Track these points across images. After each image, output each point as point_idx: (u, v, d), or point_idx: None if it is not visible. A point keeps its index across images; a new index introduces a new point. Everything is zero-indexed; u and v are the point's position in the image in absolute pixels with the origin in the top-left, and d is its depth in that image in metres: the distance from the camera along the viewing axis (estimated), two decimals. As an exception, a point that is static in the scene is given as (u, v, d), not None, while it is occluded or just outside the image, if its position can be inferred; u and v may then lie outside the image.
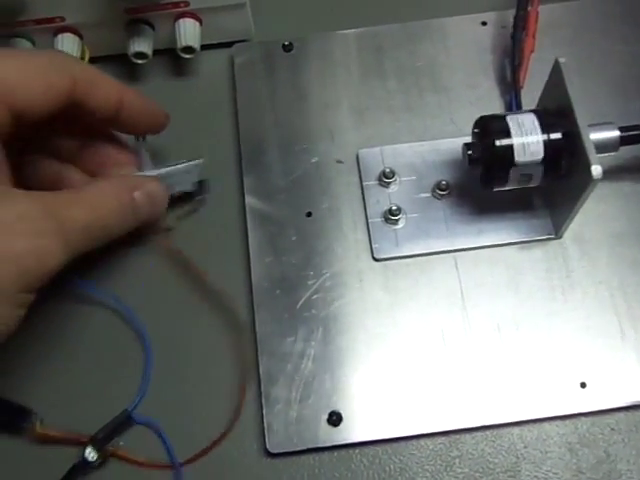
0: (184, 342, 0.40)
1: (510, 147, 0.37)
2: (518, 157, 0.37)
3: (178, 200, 0.42)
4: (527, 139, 0.37)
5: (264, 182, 0.43)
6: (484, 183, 0.39)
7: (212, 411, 0.38)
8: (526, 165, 0.37)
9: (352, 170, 0.43)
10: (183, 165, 0.42)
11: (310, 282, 0.40)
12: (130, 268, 0.42)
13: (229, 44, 0.47)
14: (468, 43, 0.47)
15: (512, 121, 0.37)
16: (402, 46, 0.47)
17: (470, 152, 0.38)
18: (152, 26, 0.45)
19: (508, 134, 0.37)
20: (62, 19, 0.44)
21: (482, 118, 0.39)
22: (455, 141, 0.42)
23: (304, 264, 0.41)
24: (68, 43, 0.45)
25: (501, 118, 0.38)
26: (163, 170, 0.41)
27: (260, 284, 0.40)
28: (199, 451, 0.37)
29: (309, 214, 0.42)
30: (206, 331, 0.40)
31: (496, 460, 0.37)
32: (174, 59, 0.47)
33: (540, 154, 0.36)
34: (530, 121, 0.37)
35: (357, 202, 0.42)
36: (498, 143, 0.37)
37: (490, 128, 0.38)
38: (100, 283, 0.41)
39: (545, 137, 0.37)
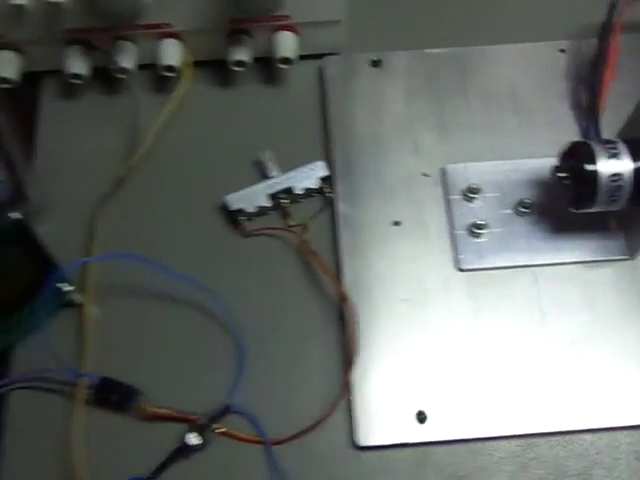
0: (280, 332, 0.42)
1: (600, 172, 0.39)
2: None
3: (307, 197, 0.46)
4: (617, 166, 0.39)
5: (355, 190, 0.45)
6: (571, 204, 0.41)
7: (304, 402, 0.41)
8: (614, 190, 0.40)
9: (437, 183, 0.46)
10: (306, 167, 0.45)
11: (397, 288, 0.43)
12: (220, 256, 0.44)
13: (319, 55, 0.50)
14: (547, 68, 0.50)
15: (602, 147, 0.40)
16: (484, 68, 0.49)
17: (560, 174, 0.41)
18: (251, 36, 0.48)
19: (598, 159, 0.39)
20: (169, 25, 0.47)
21: (573, 143, 0.41)
22: (537, 162, 0.45)
23: (392, 271, 0.43)
24: (172, 47, 0.47)
25: (592, 144, 0.40)
26: (290, 173, 0.45)
27: (350, 289, 0.43)
28: (289, 436, 0.39)
29: (397, 223, 0.44)
30: (302, 324, 0.43)
31: (569, 464, 0.40)
32: (266, 67, 0.49)
33: (629, 181, 0.39)
34: (620, 149, 0.39)
35: (441, 214, 0.45)
36: (589, 168, 0.39)
37: (581, 153, 0.40)
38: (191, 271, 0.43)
39: (635, 165, 0.39)
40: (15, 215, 0.43)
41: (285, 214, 0.45)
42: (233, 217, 0.45)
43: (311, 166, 0.46)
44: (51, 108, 0.49)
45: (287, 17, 0.47)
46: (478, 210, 0.44)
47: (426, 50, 0.50)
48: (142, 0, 0.44)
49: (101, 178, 0.46)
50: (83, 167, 0.47)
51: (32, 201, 0.44)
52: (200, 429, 0.39)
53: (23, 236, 0.42)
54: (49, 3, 0.44)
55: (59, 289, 0.41)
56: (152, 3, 0.44)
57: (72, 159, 0.47)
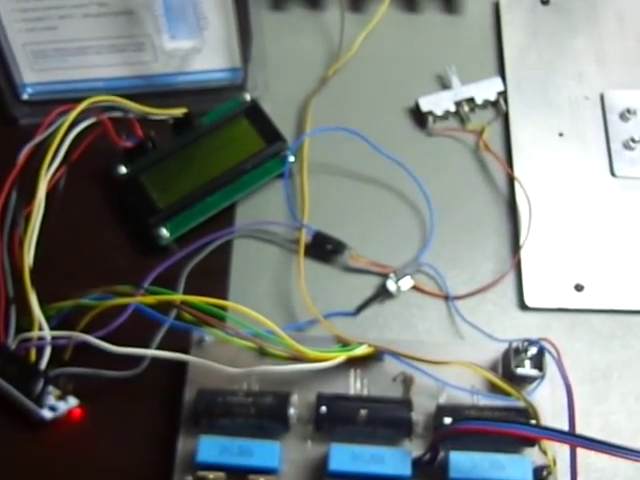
0: (460, 210, 0.51)
1: None
2: None
3: (483, 108, 0.53)
4: None
5: (525, 105, 0.53)
6: None
7: (483, 267, 0.49)
8: None
9: (596, 105, 0.53)
10: (485, 81, 0.53)
11: (560, 186, 0.51)
12: (407, 150, 0.52)
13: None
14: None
15: None
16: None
17: None
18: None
19: None
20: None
21: None
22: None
23: (555, 171, 0.51)
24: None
25: None
26: (471, 85, 0.53)
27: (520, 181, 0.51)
28: (467, 292, 0.48)
29: (561, 134, 0.52)
30: (478, 204, 0.51)
31: None
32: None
33: None
34: None
35: (600, 130, 0.52)
36: None
37: None
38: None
39: None
40: (248, 96, 0.52)
41: (463, 120, 0.53)
42: (422, 118, 0.53)
43: (489, 81, 0.54)
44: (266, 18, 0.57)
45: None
46: (633, 129, 0.52)
47: (588, -7, 0.57)
48: None
49: (306, 78, 0.55)
50: (291, 67, 0.56)
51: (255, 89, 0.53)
52: (397, 277, 0.48)
53: (256, 114, 0.51)
54: None
55: (284, 158, 0.50)
56: None
57: (282, 60, 0.56)
